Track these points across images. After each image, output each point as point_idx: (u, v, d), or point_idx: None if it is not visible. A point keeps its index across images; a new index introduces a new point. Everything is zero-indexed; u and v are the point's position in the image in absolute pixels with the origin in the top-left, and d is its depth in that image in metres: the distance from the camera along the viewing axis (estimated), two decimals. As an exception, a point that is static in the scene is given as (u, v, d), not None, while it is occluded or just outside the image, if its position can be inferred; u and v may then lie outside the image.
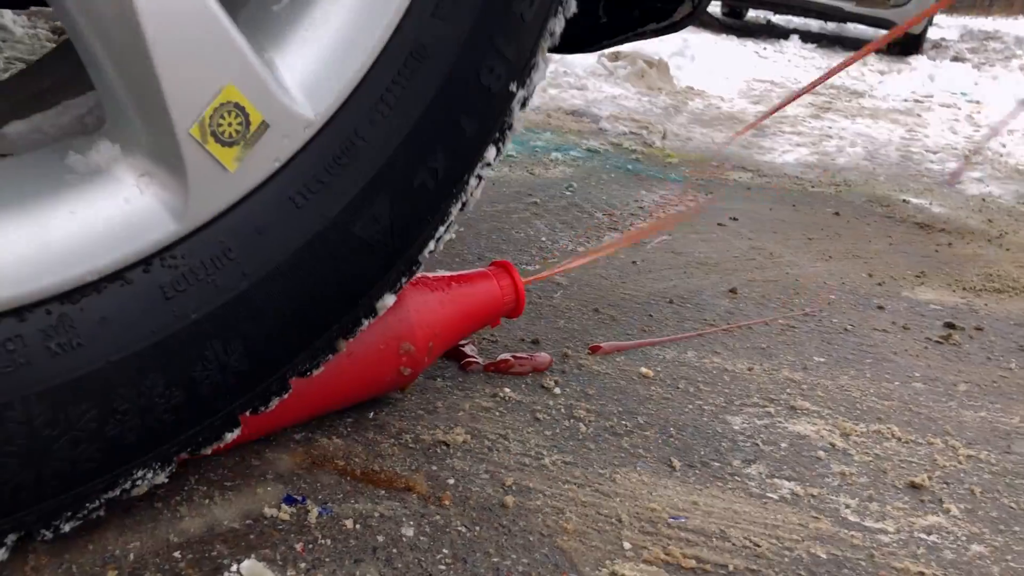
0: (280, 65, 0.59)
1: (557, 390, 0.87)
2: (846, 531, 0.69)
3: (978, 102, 3.94)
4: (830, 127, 2.85)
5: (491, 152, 0.71)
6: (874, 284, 1.34)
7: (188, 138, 0.55)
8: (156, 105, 0.53)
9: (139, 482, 0.58)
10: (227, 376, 0.61)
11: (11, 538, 0.54)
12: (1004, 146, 2.71)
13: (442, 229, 0.70)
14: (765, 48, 5.15)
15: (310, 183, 0.62)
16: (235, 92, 0.56)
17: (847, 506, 0.72)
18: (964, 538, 0.70)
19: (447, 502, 0.66)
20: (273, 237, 0.60)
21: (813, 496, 0.73)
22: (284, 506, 0.64)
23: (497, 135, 0.71)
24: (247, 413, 0.63)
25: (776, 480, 0.75)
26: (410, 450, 0.73)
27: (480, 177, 0.71)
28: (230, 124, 0.57)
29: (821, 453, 0.80)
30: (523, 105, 0.72)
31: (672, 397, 0.88)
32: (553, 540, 0.63)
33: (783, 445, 0.81)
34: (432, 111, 0.66)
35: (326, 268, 0.63)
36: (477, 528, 0.64)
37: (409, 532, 0.62)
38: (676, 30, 1.10)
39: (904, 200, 1.92)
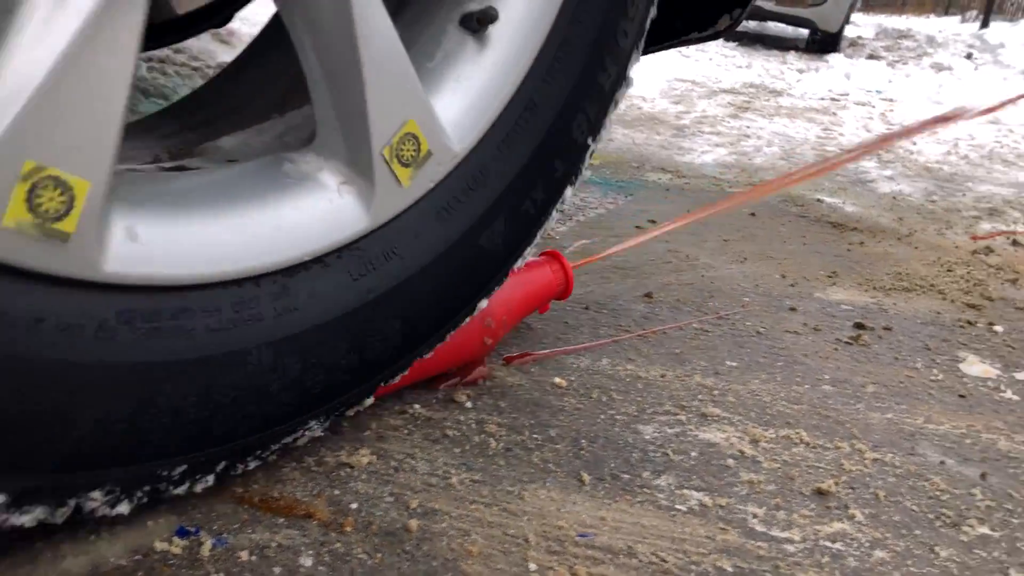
0: (437, 109, 0.75)
1: (469, 404, 0.85)
2: (752, 542, 0.69)
3: (892, 100, 4.05)
4: (748, 127, 2.90)
5: (568, 191, 0.88)
6: (787, 285, 1.36)
7: (380, 157, 0.71)
8: (362, 130, 0.70)
9: (308, 432, 0.71)
10: (387, 347, 0.75)
11: (220, 466, 0.65)
12: (915, 144, 2.79)
13: (529, 248, 0.86)
14: (686, 47, 5.22)
15: (452, 202, 0.78)
16: (414, 125, 0.73)
17: (755, 516, 0.72)
18: (867, 544, 0.70)
19: (349, 528, 0.64)
20: (425, 241, 0.76)
21: (721, 507, 0.73)
22: (176, 539, 0.61)
23: (573, 178, 0.88)
24: (383, 383, 0.76)
25: (685, 491, 0.75)
26: (312, 474, 0.71)
27: (558, 211, 0.88)
28: (409, 150, 0.73)
29: (730, 461, 0.80)
30: (591, 156, 0.90)
31: (584, 407, 0.88)
32: (457, 564, 0.62)
33: (693, 454, 0.81)
34: (537, 153, 0.84)
35: (460, 269, 0.80)
36: (379, 555, 0.62)
37: (308, 562, 0.60)
38: (717, 38, 1.22)
39: (818, 200, 1.96)
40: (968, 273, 1.50)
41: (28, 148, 0.50)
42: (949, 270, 1.51)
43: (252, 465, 0.67)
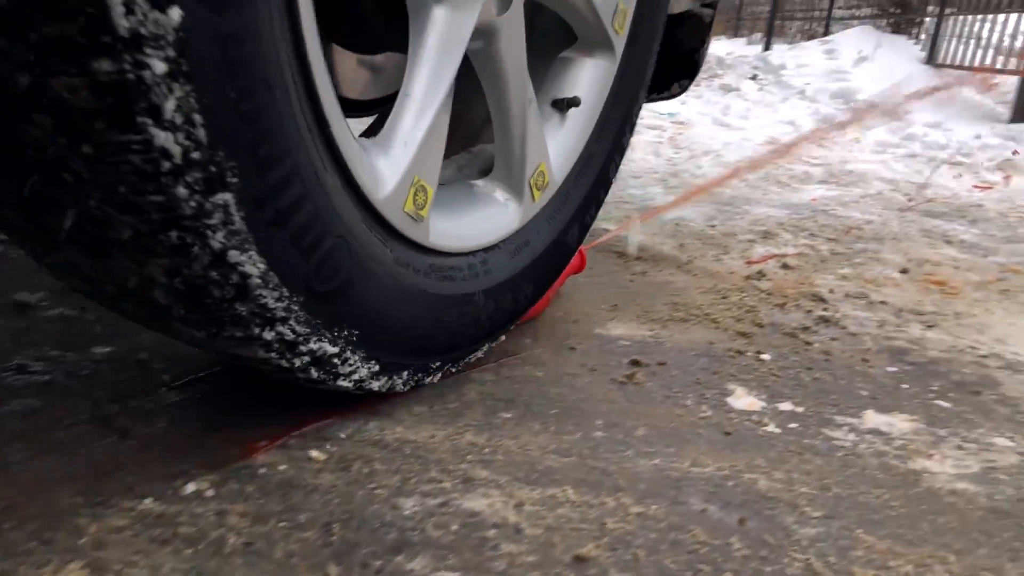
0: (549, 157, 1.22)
1: (210, 492, 0.77)
2: (505, 627, 0.65)
3: (683, 123, 4.24)
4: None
5: (599, 213, 1.39)
6: (570, 322, 1.36)
7: (528, 184, 1.17)
8: (520, 167, 1.15)
9: (478, 353, 1.14)
10: (526, 299, 1.19)
11: (439, 364, 1.05)
12: (700, 167, 2.92)
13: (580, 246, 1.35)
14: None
15: (554, 212, 1.24)
16: (544, 166, 1.19)
17: (511, 594, 0.69)
18: (624, 613, 0.69)
19: (40, 670, 0.56)
20: (543, 236, 1.21)
21: (477, 587, 0.69)
22: None
23: (603, 202, 1.38)
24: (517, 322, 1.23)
25: (440, 573, 0.70)
26: (3, 604, 0.61)
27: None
28: (540, 179, 1.19)
29: (492, 532, 0.77)
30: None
31: (342, 484, 0.82)
32: None
33: (454, 527, 0.77)
34: (593, 185, 1.31)
35: (556, 254, 1.24)
36: None
37: None
38: (671, 99, 1.76)
39: (605, 229, 2.00)
40: (741, 299, 1.55)
41: (415, 171, 0.94)
42: (724, 297, 1.56)
43: (454, 370, 1.11)
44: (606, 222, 2.04)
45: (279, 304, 0.77)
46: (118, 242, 0.68)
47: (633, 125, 1.39)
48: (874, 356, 1.35)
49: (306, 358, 0.84)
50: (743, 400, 1.14)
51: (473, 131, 1.31)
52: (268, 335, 0.79)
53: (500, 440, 0.95)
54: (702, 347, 1.32)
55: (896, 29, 8.03)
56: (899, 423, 1.11)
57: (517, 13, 1.04)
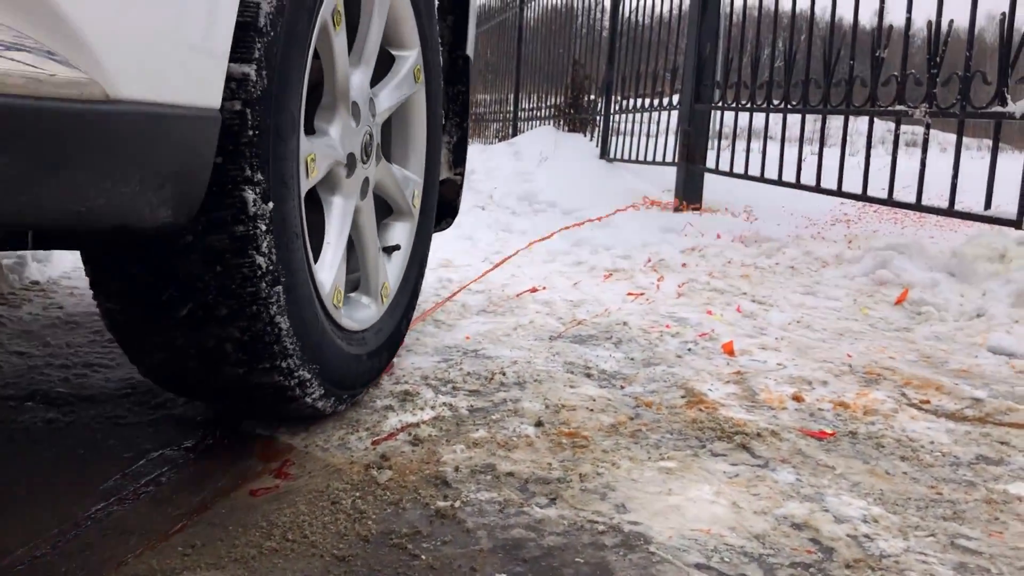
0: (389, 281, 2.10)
1: None
2: None
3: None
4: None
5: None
6: (120, 592, 1.11)
7: (379, 294, 1.96)
8: (376, 285, 1.94)
9: (360, 394, 1.84)
10: (382, 363, 1.95)
11: (347, 396, 1.76)
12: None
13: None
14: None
15: (392, 311, 2.04)
16: (386, 284, 2.02)
17: None
18: None
19: None
20: (387, 325, 2.01)
21: None
22: None
23: (415, 306, 2.48)
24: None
25: None
26: None
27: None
28: (384, 291, 1.99)
29: None
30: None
31: None
32: None
33: None
34: (410, 297, 2.18)
35: (396, 336, 2.05)
36: None
37: None
38: (442, 231, 2.55)
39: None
40: (353, 502, 1.38)
41: (336, 282, 1.66)
42: (334, 503, 1.38)
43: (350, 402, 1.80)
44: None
45: (291, 346, 1.45)
46: (216, 317, 1.35)
47: (427, 259, 2.24)
48: (486, 559, 1.22)
49: (295, 380, 1.49)
50: None
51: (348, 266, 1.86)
52: (283, 364, 1.44)
53: None
54: (284, 594, 1.12)
55: (572, 127, 8.60)
56: (488, 671, 0.97)
57: (370, 199, 1.86)
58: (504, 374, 2.06)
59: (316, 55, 1.55)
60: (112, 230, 1.09)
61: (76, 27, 0.90)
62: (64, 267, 3.13)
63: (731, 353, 2.29)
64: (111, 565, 1.19)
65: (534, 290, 3.06)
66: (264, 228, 1.33)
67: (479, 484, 1.48)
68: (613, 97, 7.23)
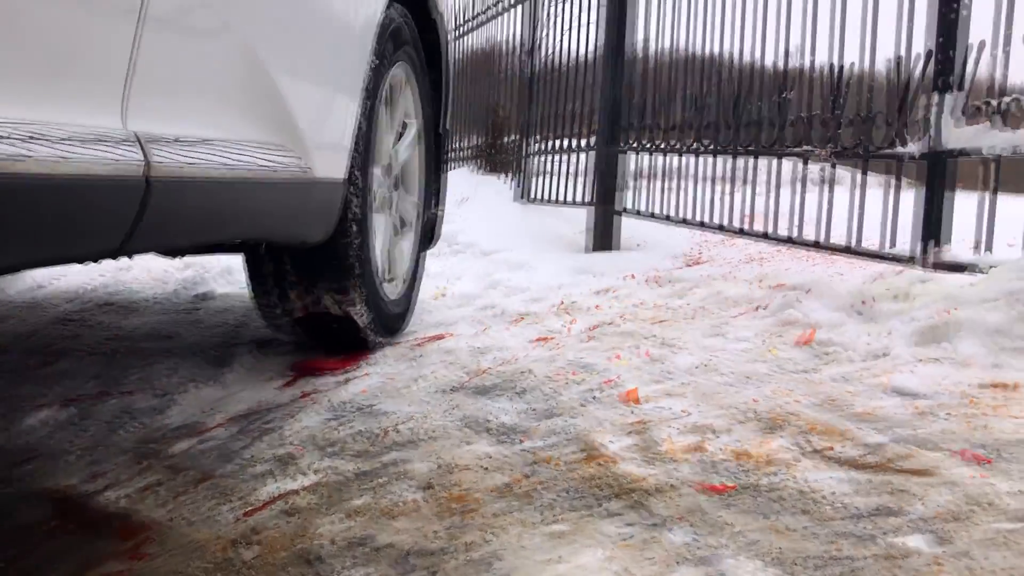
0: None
1: None
2: None
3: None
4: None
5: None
6: None
7: (401, 279, 3.26)
8: (400, 270, 3.27)
9: (396, 336, 3.20)
10: (405, 320, 3.36)
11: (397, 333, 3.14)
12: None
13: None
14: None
15: (407, 291, 3.32)
16: (405, 270, 3.33)
17: None
18: None
19: None
20: (403, 299, 3.35)
21: None
22: None
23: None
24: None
25: None
26: None
27: None
28: (406, 275, 3.33)
29: None
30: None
31: None
32: None
33: None
34: (412, 289, 3.46)
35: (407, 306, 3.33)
36: None
37: None
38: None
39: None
40: (211, 588, 1.26)
41: (383, 268, 2.97)
42: (191, 587, 1.26)
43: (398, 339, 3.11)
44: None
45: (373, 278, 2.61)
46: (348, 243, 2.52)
47: (424, 260, 3.37)
48: (350, 648, 1.11)
49: (365, 296, 2.53)
50: None
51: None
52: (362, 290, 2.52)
53: None
54: None
55: (493, 168, 8.58)
56: None
57: (397, 214, 3.01)
58: (397, 431, 1.96)
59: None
60: (300, 242, 2.27)
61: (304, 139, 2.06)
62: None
63: (635, 401, 2.22)
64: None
65: (440, 337, 2.96)
66: (356, 228, 2.42)
67: (355, 559, 1.37)
68: (531, 138, 7.23)
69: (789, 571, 1.35)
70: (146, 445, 1.84)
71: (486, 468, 1.75)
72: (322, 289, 2.43)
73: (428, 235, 3.36)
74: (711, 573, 1.33)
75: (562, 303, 3.67)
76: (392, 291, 2.85)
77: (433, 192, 3.34)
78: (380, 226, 2.76)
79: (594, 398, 2.27)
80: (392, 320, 2.82)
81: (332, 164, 2.25)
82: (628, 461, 1.80)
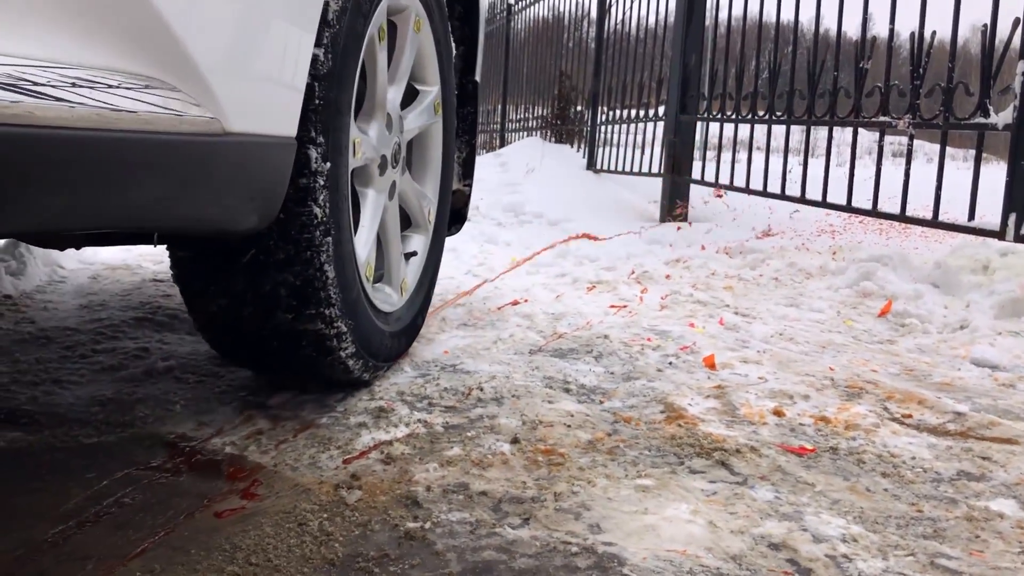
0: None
1: None
2: None
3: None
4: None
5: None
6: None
7: (399, 286, 2.23)
8: (397, 279, 2.22)
9: (384, 369, 2.17)
10: (401, 346, 2.28)
11: (383, 364, 2.07)
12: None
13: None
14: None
15: (409, 305, 2.33)
16: (405, 280, 2.33)
17: None
18: None
19: None
20: (406, 315, 2.27)
21: None
22: None
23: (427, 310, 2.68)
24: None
25: None
26: None
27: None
28: (404, 285, 2.29)
29: None
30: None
31: None
32: None
33: None
34: (424, 298, 2.45)
35: (412, 328, 2.33)
36: None
37: None
38: (449, 237, 2.75)
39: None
40: (321, 525, 1.34)
41: (367, 262, 1.99)
42: (301, 524, 1.34)
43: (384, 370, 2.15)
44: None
45: (335, 295, 1.66)
46: (275, 262, 1.59)
47: (439, 266, 2.52)
48: (454, 584, 1.19)
49: (334, 331, 1.70)
50: None
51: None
52: (326, 312, 1.66)
53: None
54: None
55: (559, 138, 8.59)
56: None
57: (395, 203, 2.14)
58: (482, 389, 2.03)
59: (363, 72, 1.86)
60: (215, 233, 1.52)
61: (204, 74, 1.21)
62: (38, 281, 3.08)
63: (712, 367, 2.26)
64: (65, 592, 1.15)
65: (515, 303, 3.02)
66: (322, 183, 1.57)
67: (451, 504, 1.44)
68: (600, 108, 7.22)
69: (872, 529, 1.39)
70: (247, 397, 1.94)
71: (569, 426, 1.81)
72: (274, 300, 1.63)
73: (455, 215, 2.72)
74: (795, 528, 1.38)
75: (633, 272, 3.70)
76: (389, 301, 2.08)
77: (459, 163, 2.70)
78: (372, 210, 1.97)
79: (671, 363, 2.31)
80: (390, 341, 2.02)
81: (265, 114, 1.39)
82: (709, 423, 1.84)
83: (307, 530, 1.33)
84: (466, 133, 2.71)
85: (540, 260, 4.02)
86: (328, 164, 1.59)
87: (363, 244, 1.89)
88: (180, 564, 1.22)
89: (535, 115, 9.68)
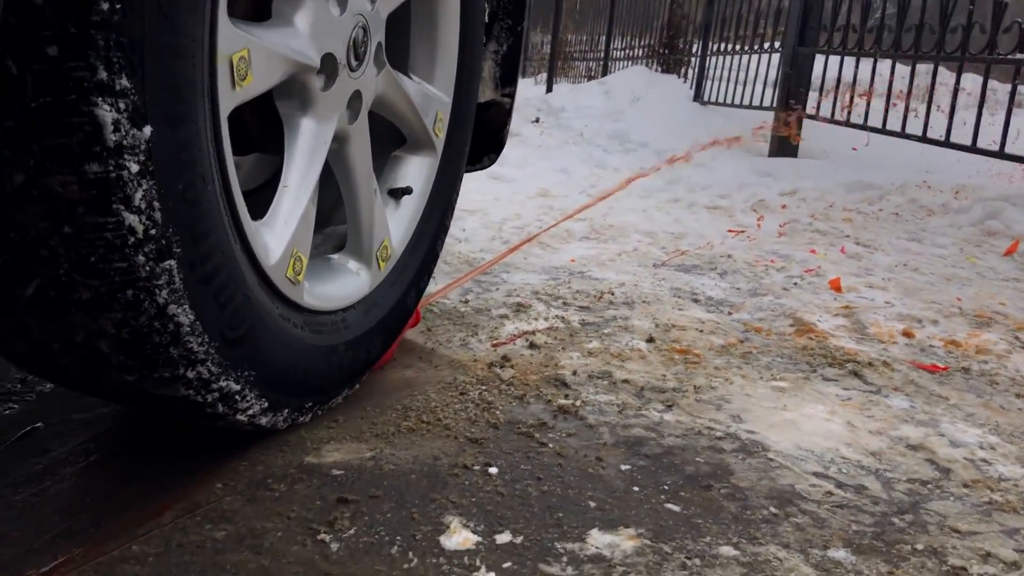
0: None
1: None
2: None
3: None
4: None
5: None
6: (276, 450, 1.20)
7: (375, 256, 1.41)
8: (369, 243, 1.40)
9: (338, 399, 1.38)
10: (372, 355, 1.44)
11: (311, 405, 1.28)
12: (464, 230, 2.84)
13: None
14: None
15: (395, 280, 1.50)
16: (387, 241, 1.46)
17: None
18: None
19: None
20: (387, 298, 1.46)
21: None
22: None
23: (432, 272, 1.72)
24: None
25: None
26: None
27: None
28: (384, 252, 1.44)
29: None
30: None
31: None
32: None
33: None
34: (425, 259, 1.60)
35: (398, 314, 1.51)
36: None
37: None
38: (481, 170, 1.96)
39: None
40: (480, 395, 1.45)
41: (293, 244, 1.18)
42: (462, 393, 1.46)
43: (319, 411, 1.33)
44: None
45: (201, 348, 0.97)
46: (78, 302, 0.88)
47: (453, 207, 1.68)
48: (609, 452, 1.28)
49: (216, 394, 1.03)
50: (457, 537, 1.02)
51: (326, 214, 1.50)
52: (190, 374, 0.98)
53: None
54: (427, 465, 1.20)
55: (666, 68, 8.46)
56: (623, 543, 1.04)
57: (363, 123, 1.35)
58: (612, 294, 2.11)
59: None
60: None
61: None
62: None
63: (838, 289, 2.29)
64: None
65: (634, 221, 3.08)
66: (136, 168, 0.83)
67: (597, 388, 1.53)
68: (711, 38, 7.08)
69: (1009, 440, 1.43)
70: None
71: (701, 330, 1.88)
72: (96, 357, 0.96)
73: (490, 140, 1.87)
74: (932, 434, 1.43)
75: (748, 200, 3.70)
76: (349, 288, 1.39)
77: (496, 59, 1.79)
78: (305, 155, 1.21)
79: (796, 284, 2.34)
80: (342, 359, 1.33)
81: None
82: (839, 338, 1.89)
83: (468, 398, 1.44)
84: (510, 15, 1.76)
85: (652, 185, 4.04)
86: (147, 129, 0.84)
87: (283, 224, 1.16)
88: (360, 418, 1.35)
89: (641, 44, 9.53)
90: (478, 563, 0.97)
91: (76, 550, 0.94)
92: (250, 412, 1.11)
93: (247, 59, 1.01)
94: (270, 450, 1.20)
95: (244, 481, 1.12)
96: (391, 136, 1.55)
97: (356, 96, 1.30)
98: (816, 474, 1.26)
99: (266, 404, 1.14)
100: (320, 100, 1.20)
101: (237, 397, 1.07)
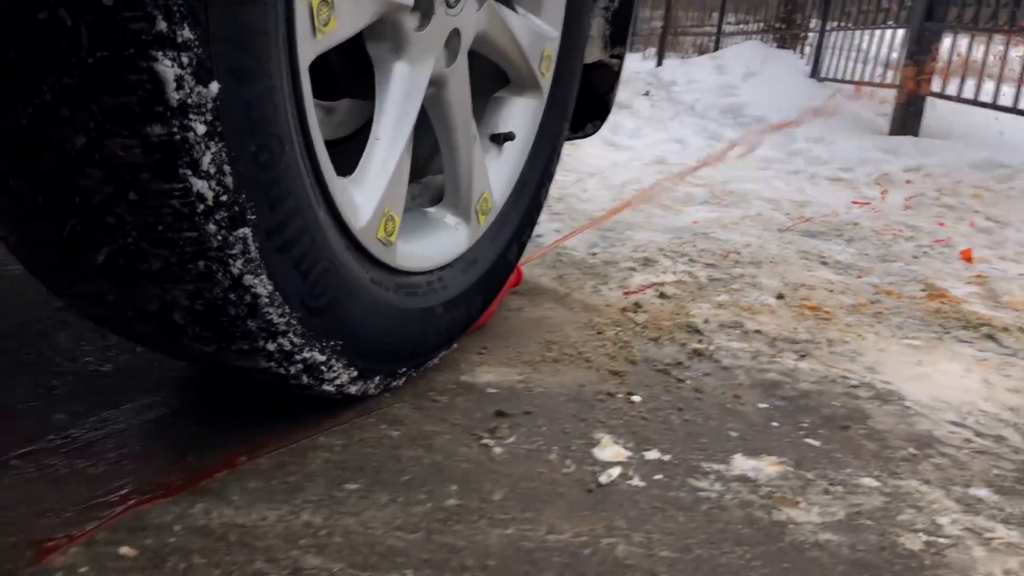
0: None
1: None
2: None
3: (570, 143, 4.23)
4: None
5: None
6: (435, 370, 1.29)
7: (473, 209, 1.31)
8: (468, 196, 1.29)
9: (434, 359, 1.30)
10: (471, 314, 1.35)
11: (405, 370, 1.20)
12: (585, 191, 2.90)
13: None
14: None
15: (495, 234, 1.39)
16: (487, 193, 1.34)
17: None
18: None
19: None
20: (487, 254, 1.37)
21: None
22: None
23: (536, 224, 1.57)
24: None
25: None
26: None
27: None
28: (484, 205, 1.33)
29: (315, 636, 0.70)
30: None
31: (149, 587, 0.73)
32: None
33: (273, 633, 0.69)
34: (528, 210, 1.48)
35: (500, 270, 1.41)
36: None
37: None
38: (585, 138, 1.83)
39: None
40: (616, 335, 1.52)
41: (385, 203, 1.10)
42: (599, 333, 1.52)
43: (414, 373, 1.26)
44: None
45: (281, 319, 0.92)
46: (148, 272, 0.83)
47: (559, 154, 1.57)
48: (746, 392, 1.33)
49: (300, 366, 0.98)
50: (609, 450, 1.09)
51: (421, 164, 1.44)
52: (271, 346, 0.93)
53: (340, 518, 0.87)
54: (572, 391, 1.27)
55: (782, 44, 8.28)
56: (767, 467, 1.09)
57: (463, 64, 1.23)
58: (739, 253, 2.13)
59: None
60: None
61: None
62: None
63: (969, 259, 2.25)
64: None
65: (755, 189, 3.07)
66: (203, 130, 0.76)
67: (729, 336, 1.57)
68: (831, 13, 6.89)
69: None
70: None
71: (831, 290, 1.89)
72: (171, 327, 0.93)
73: (596, 104, 1.75)
74: (1073, 395, 1.42)
75: (872, 175, 3.63)
76: (433, 247, 1.28)
77: (607, 16, 1.65)
78: (398, 104, 1.11)
79: (925, 253, 2.32)
80: (439, 322, 1.26)
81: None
82: (972, 304, 1.87)
83: (605, 337, 1.51)
84: None
85: (771, 157, 4.01)
86: (214, 86, 0.77)
87: (374, 180, 1.09)
88: (506, 347, 1.43)
89: (756, 19, 9.35)
90: (630, 473, 1.04)
91: (268, 439, 1.04)
92: (338, 382, 1.05)
93: (329, 1, 0.90)
94: (428, 368, 1.29)
95: (409, 392, 1.21)
96: (492, 75, 1.41)
97: (455, 35, 1.17)
98: (954, 423, 1.28)
99: (355, 373, 1.07)
100: (415, 41, 1.09)
101: (323, 368, 1.01)
